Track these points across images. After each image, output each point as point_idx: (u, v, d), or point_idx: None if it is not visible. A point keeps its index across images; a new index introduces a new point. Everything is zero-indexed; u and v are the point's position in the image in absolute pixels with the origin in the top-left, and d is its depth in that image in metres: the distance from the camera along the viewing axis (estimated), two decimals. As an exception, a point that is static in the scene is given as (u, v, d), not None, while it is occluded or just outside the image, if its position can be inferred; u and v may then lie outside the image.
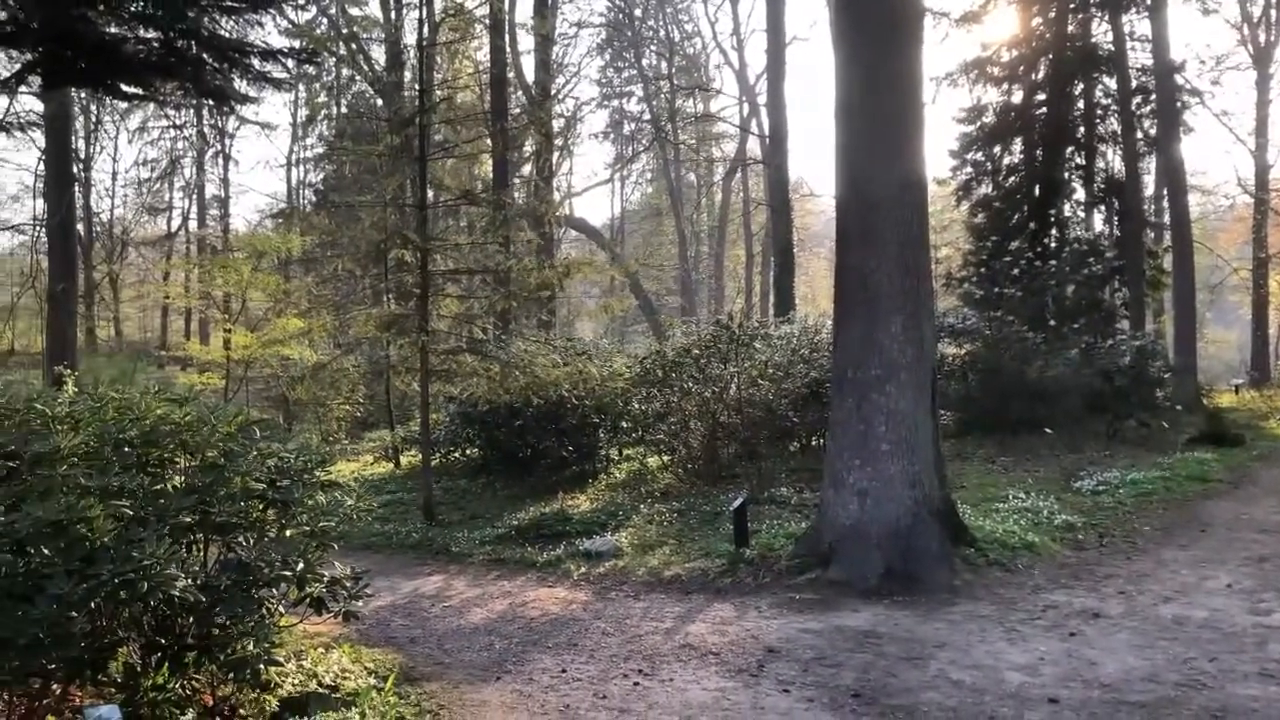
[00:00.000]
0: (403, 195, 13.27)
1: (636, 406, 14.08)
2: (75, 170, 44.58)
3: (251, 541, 5.04)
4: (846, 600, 7.70)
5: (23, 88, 11.45)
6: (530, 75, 31.76)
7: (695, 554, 9.46)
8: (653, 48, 51.59)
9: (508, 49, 25.82)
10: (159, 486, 4.80)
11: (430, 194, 13.60)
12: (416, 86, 12.41)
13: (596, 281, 44.86)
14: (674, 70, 50.91)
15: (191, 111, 52.34)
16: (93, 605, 4.19)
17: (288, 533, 5.34)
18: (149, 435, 5.00)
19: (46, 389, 5.68)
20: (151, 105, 50.82)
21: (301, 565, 5.03)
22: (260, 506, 5.27)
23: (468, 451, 15.82)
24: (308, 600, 5.18)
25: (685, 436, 13.77)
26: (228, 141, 54.68)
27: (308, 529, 5.28)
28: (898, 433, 8.19)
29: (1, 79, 9.55)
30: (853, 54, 8.77)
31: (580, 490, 13.43)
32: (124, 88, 10.73)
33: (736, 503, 9.11)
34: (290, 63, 11.50)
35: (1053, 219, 23.35)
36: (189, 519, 4.76)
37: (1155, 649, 6.22)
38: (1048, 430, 15.57)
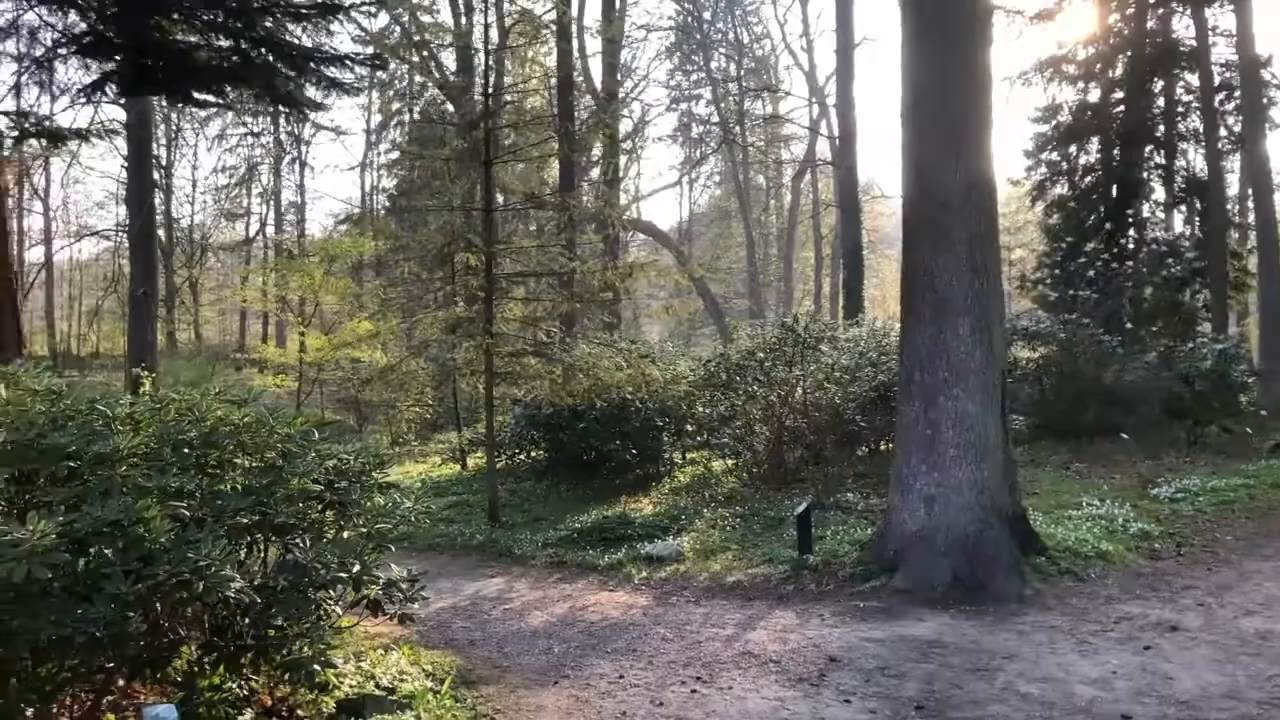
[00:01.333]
0: (471, 199, 13.33)
1: (701, 409, 13.98)
2: (156, 177, 45.83)
3: (309, 543, 5.06)
4: (912, 609, 7.53)
5: (104, 97, 11.75)
6: (598, 79, 31.92)
7: (758, 559, 9.34)
8: (721, 50, 51.44)
9: (575, 52, 25.90)
10: (218, 487, 4.84)
11: (499, 198, 13.71)
12: (481, 91, 12.39)
13: (663, 284, 44.80)
14: (743, 72, 50.66)
15: (268, 119, 53.63)
16: (152, 605, 4.23)
17: (345, 534, 5.36)
18: (208, 436, 5.04)
19: (108, 392, 5.77)
20: (230, 114, 52.28)
21: (358, 567, 5.02)
22: (318, 508, 5.29)
23: (533, 454, 15.85)
24: (364, 602, 5.19)
25: (750, 440, 13.64)
26: (304, 148, 55.75)
27: (365, 531, 5.29)
28: (966, 437, 8.00)
29: (81, 87, 9.83)
30: (921, 51, 8.59)
31: (643, 494, 13.38)
32: (197, 95, 10.96)
33: (800, 508, 8.97)
34: (360, 69, 11.63)
35: (1130, 220, 22.78)
36: (246, 520, 4.79)
37: (1236, 665, 5.96)
38: (1124, 436, 15.13)
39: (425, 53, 36.06)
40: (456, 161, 12.55)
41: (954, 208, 8.11)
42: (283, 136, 54.64)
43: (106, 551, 4.12)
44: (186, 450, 5.01)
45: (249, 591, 4.44)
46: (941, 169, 8.22)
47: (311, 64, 11.00)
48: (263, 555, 5.17)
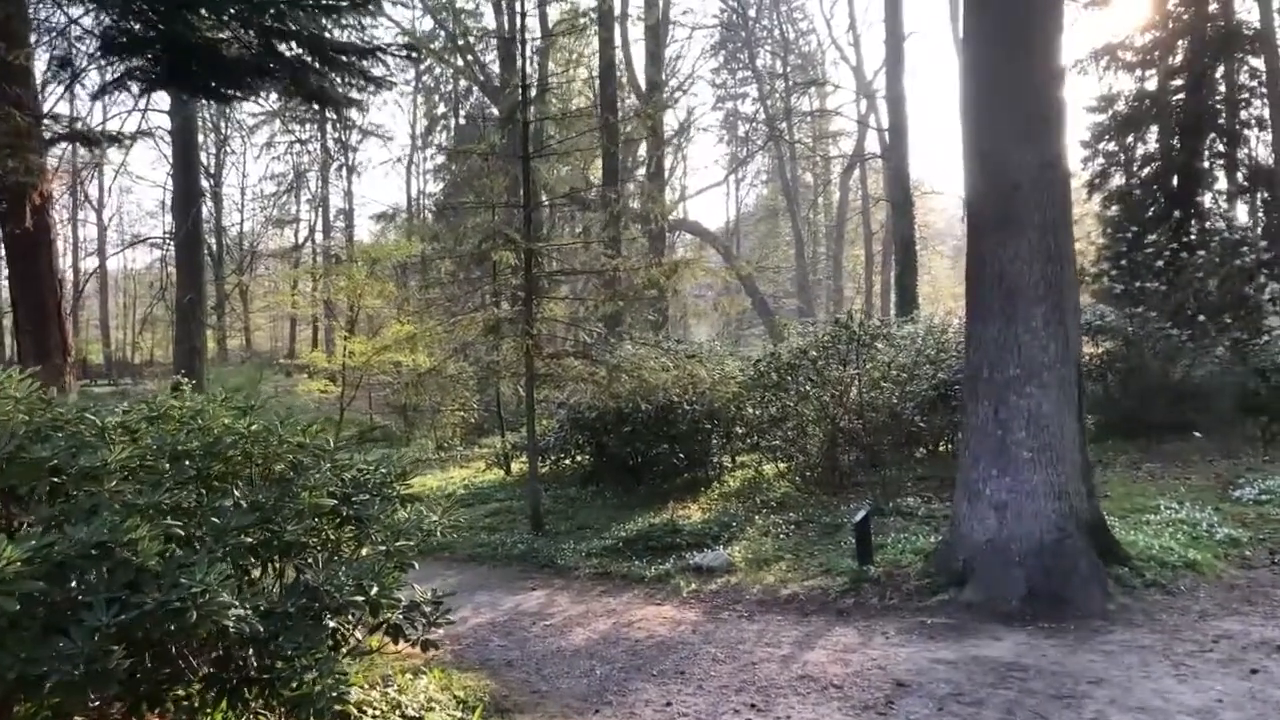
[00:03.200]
0: (512, 196, 12.88)
1: (751, 411, 13.41)
2: (204, 185, 46.16)
3: (321, 563, 4.60)
4: (985, 625, 6.93)
5: (137, 98, 11.48)
6: (640, 72, 31.39)
7: (814, 570, 8.77)
8: (767, 47, 50.79)
9: (617, 42, 25.41)
10: (220, 503, 4.39)
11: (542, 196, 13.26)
12: (519, 82, 11.93)
13: (710, 284, 44.19)
14: (789, 69, 49.96)
15: (315, 126, 53.94)
16: (139, 636, 3.79)
17: (363, 551, 4.90)
18: (211, 447, 4.60)
19: (149, 399, 5.33)
20: (277, 121, 52.69)
21: (376, 589, 4.55)
22: (333, 524, 4.84)
23: (577, 458, 15.36)
24: (384, 627, 4.73)
25: (802, 443, 13.05)
26: (350, 154, 55.97)
27: (384, 549, 4.82)
28: (1040, 438, 7.37)
29: (104, 84, 9.53)
30: (991, 26, 7.95)
31: (691, 499, 12.83)
32: (225, 90, 10.63)
33: (859, 515, 8.37)
34: (392, 61, 11.25)
35: (1193, 210, 21.82)
36: (252, 539, 4.34)
37: (1359, 692, 5.31)
38: (1196, 434, 14.32)
39: (470, 56, 35.90)
40: (495, 158, 12.07)
41: (1026, 189, 7.47)
42: (330, 143, 54.96)
43: (88, 577, 3.69)
44: (187, 463, 4.57)
45: (251, 620, 3.99)
46: (1012, 149, 7.57)
47: (342, 57, 10.60)
48: (274, 577, 4.72)
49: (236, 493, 4.59)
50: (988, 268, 7.71)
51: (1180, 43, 23.02)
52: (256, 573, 4.63)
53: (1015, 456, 7.40)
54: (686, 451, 13.37)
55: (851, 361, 12.33)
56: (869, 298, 50.19)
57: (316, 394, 24.09)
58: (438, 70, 48.69)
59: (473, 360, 14.10)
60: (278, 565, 4.67)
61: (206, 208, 50.32)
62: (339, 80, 11.64)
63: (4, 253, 13.50)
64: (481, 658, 7.05)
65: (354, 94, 12.47)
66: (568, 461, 15.41)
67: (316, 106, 11.81)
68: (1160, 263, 17.74)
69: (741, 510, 11.80)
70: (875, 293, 50.16)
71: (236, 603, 3.92)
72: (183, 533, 4.09)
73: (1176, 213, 20.92)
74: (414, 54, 12.72)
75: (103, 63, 10.12)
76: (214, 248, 50.52)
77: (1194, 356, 15.76)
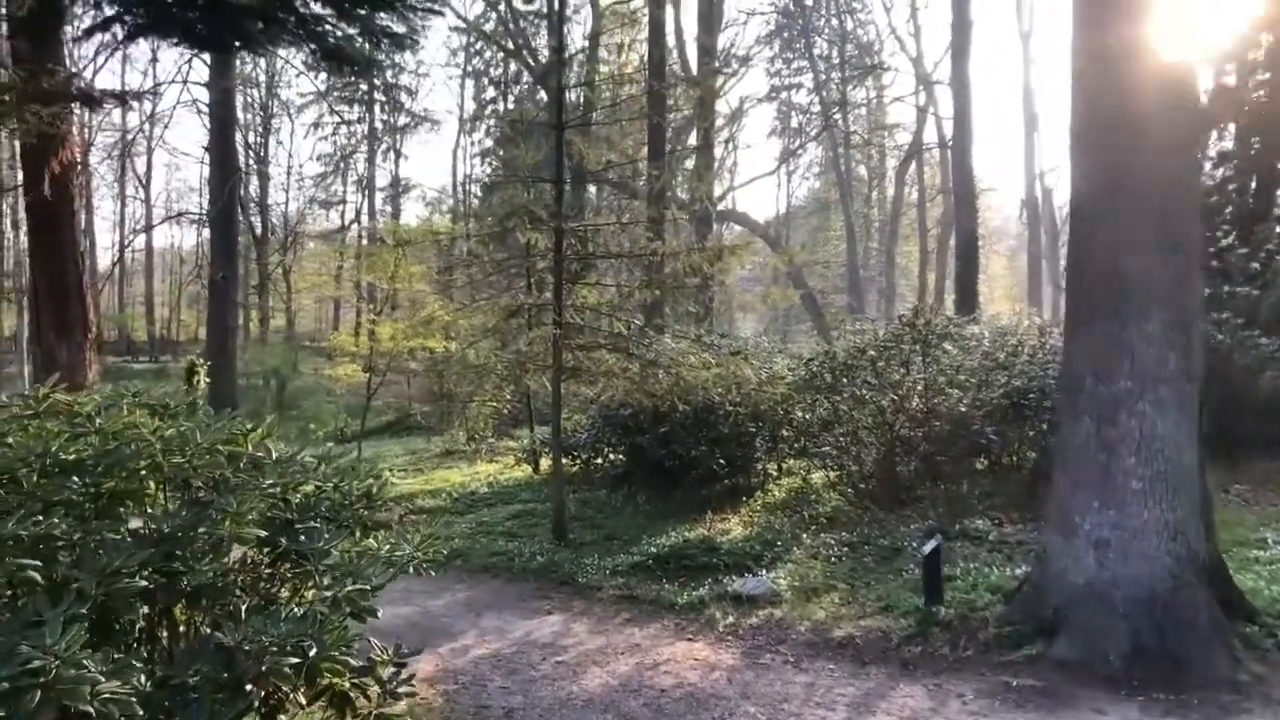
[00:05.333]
0: (542, 171, 11.71)
1: (800, 414, 12.18)
2: (249, 163, 45.67)
3: (244, 614, 3.52)
4: (1083, 691, 5.70)
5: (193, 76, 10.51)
6: (693, 59, 30.17)
7: (871, 606, 7.58)
8: (825, 35, 49.22)
9: (668, 6, 24.11)
10: (107, 534, 3.32)
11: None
12: (554, 45, 10.80)
13: (759, 277, 42.81)
14: (845, 59, 48.43)
15: (363, 108, 53.39)
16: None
17: (307, 595, 3.82)
18: (107, 457, 3.53)
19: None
20: (324, 102, 52.20)
21: (316, 650, 3.46)
22: (269, 560, 3.77)
23: (610, 457, 14.19)
24: (327, 696, 3.65)
25: (856, 451, 11.83)
26: (398, 137, 55.36)
27: (330, 594, 3.72)
28: (1153, 465, 6.12)
29: (88, 27, 8.62)
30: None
31: (732, 510, 11.64)
32: (228, 40, 9.65)
33: (928, 546, 7.12)
34: (415, 17, 10.21)
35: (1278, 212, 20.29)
36: (147, 581, 3.26)
37: None
38: (1289, 452, 12.93)
39: (520, 40, 34.89)
40: (532, 132, 10.97)
41: (1148, 160, 6.19)
42: (377, 125, 54.36)
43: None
44: (75, 478, 3.51)
45: (127, 700, 2.90)
46: (1132, 110, 6.27)
47: (359, 9, 9.54)
48: (174, 634, 3.63)
49: (137, 520, 3.52)
50: (1095, 259, 6.46)
51: (1263, 37, 21.51)
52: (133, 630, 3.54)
53: (1122, 486, 6.16)
54: (728, 456, 12.19)
55: (915, 363, 11.07)
56: (923, 295, 48.54)
57: (347, 380, 23.23)
58: (488, 54, 47.92)
59: (500, 348, 12.93)
60: (185, 617, 3.59)
61: (252, 186, 49.99)
62: (359, 38, 10.61)
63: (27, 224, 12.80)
64: (477, 704, 5.94)
65: (378, 55, 11.45)
66: (599, 461, 14.28)
67: (336, 63, 10.80)
68: (1256, 264, 16.26)
69: (787, 526, 10.62)
70: (929, 290, 48.51)
71: (102, 675, 2.84)
72: (42, 577, 3.02)
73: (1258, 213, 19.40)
74: (437, 7, 11.62)
75: (93, 8, 9.23)
76: (258, 227, 50.12)
77: (1281, 367, 14.30)
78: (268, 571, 3.75)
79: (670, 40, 27.31)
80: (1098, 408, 6.29)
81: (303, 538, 3.81)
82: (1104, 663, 5.92)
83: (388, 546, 4.23)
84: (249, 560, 3.74)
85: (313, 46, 10.29)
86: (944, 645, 6.54)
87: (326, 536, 3.83)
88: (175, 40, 11.12)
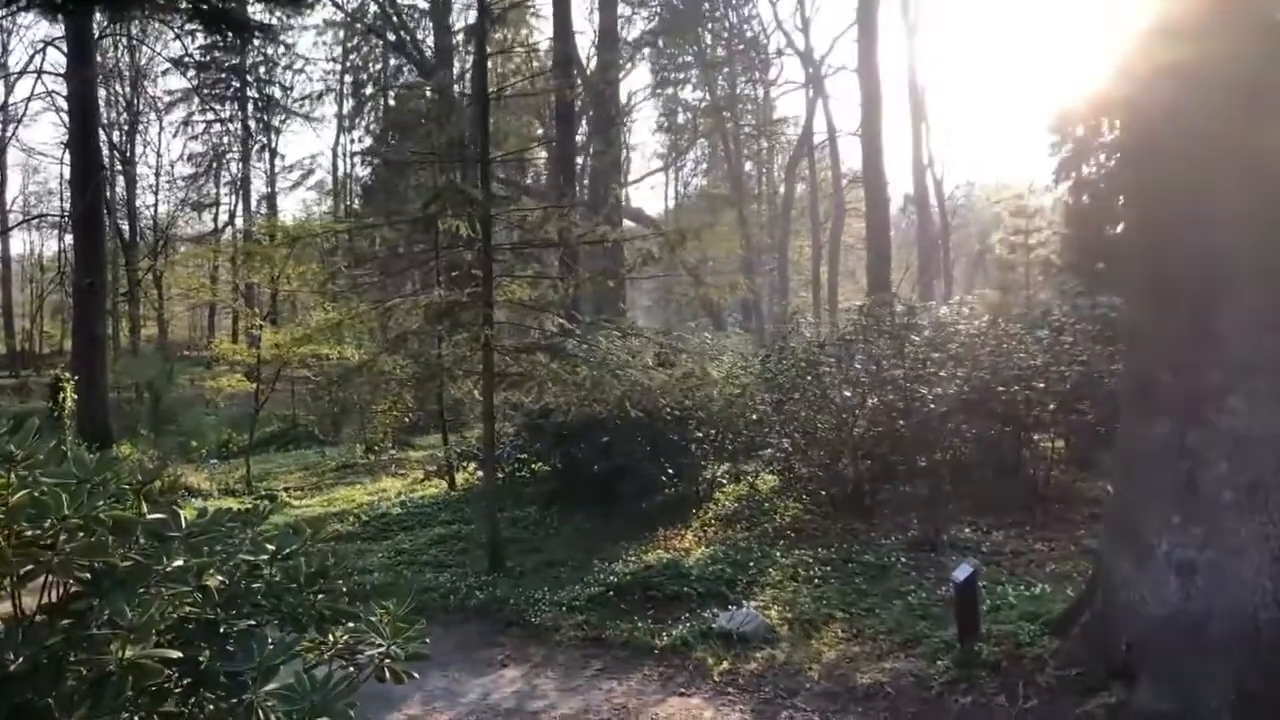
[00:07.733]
0: (460, 150, 10.35)
1: (752, 416, 11.11)
2: (109, 160, 42.56)
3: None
4: (1188, 750, 4.72)
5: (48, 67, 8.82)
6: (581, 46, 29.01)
7: (886, 641, 6.51)
8: (709, 29, 48.49)
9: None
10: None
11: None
12: (478, 4, 9.47)
13: (652, 274, 41.76)
14: (733, 54, 47.97)
15: (235, 105, 50.63)
16: None
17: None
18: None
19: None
20: (195, 99, 49.34)
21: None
22: (178, 690, 2.43)
23: (534, 467, 12.85)
24: None
25: (815, 454, 10.80)
26: (273, 136, 52.86)
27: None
28: (1249, 473, 5.13)
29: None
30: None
31: (682, 524, 10.47)
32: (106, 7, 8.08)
33: (961, 573, 6.00)
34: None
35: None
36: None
37: None
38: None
39: (403, 32, 33.22)
40: (440, 99, 9.60)
41: (1234, 102, 5.17)
42: (250, 123, 51.64)
43: None
44: None
45: None
46: (1208, 43, 5.26)
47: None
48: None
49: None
50: (1169, 228, 5.48)
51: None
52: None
53: (1211, 497, 5.17)
54: (675, 465, 11.03)
55: (885, 357, 10.10)
56: (816, 289, 48.26)
57: (228, 390, 21.34)
58: (365, 48, 45.97)
59: (412, 354, 11.48)
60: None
61: (119, 188, 46.85)
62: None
63: None
64: (445, 809, 4.65)
65: (267, 18, 9.95)
66: (524, 474, 12.96)
67: (224, 29, 9.26)
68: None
69: (752, 541, 9.50)
70: (822, 285, 48.21)
71: None
72: None
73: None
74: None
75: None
76: (126, 231, 47.05)
77: None
78: (176, 709, 2.40)
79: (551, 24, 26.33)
80: (1176, 405, 5.29)
81: (231, 647, 2.48)
82: (1203, 712, 4.93)
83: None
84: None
85: (192, 4, 8.76)
86: (998, 693, 5.48)
87: (270, 644, 2.50)
88: (21, 3, 9.43)
